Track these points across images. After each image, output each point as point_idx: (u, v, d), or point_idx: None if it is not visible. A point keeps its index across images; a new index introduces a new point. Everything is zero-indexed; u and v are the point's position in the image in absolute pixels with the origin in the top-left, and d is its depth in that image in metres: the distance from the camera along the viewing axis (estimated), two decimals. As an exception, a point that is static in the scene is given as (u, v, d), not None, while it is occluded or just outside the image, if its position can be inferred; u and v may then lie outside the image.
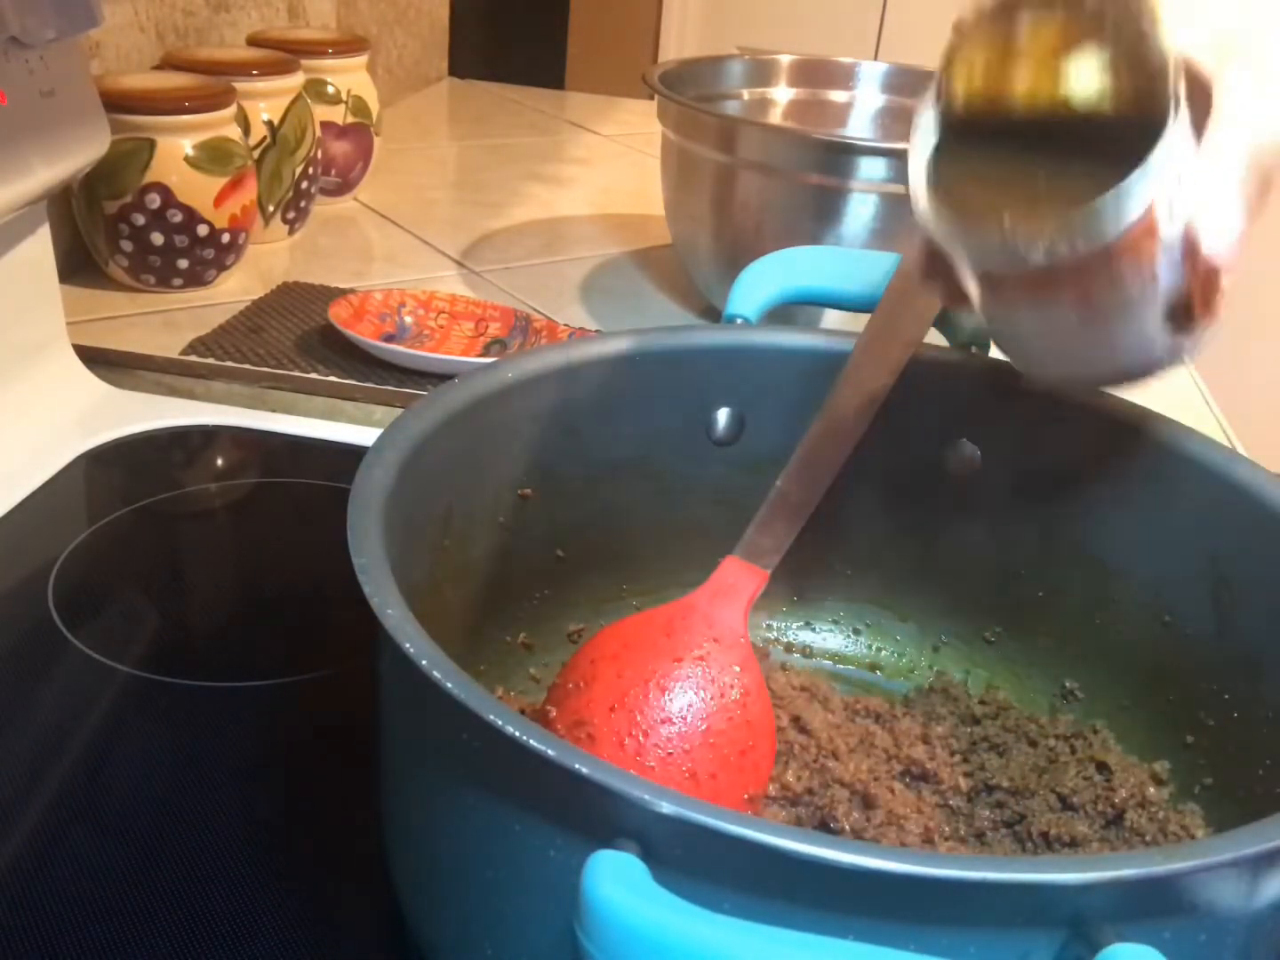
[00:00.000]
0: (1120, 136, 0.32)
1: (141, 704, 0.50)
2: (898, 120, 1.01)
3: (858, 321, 0.48)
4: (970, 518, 0.48)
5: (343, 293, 0.86)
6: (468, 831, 0.31)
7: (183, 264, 0.87)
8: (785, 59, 1.02)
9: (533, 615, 0.48)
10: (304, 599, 0.58)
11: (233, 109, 0.88)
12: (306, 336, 0.83)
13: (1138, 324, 0.33)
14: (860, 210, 0.79)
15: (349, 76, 1.08)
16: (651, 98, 0.89)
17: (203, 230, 0.86)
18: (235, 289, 0.91)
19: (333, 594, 0.56)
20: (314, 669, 0.52)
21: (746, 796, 0.40)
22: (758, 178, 0.83)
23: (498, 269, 1.01)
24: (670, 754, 0.39)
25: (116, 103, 0.79)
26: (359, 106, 1.09)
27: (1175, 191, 0.31)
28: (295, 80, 0.98)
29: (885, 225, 0.79)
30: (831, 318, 0.74)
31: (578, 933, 0.25)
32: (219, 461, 0.71)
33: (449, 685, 0.28)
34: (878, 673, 0.51)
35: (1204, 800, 0.42)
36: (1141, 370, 0.37)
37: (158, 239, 0.85)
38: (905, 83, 1.01)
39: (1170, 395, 0.83)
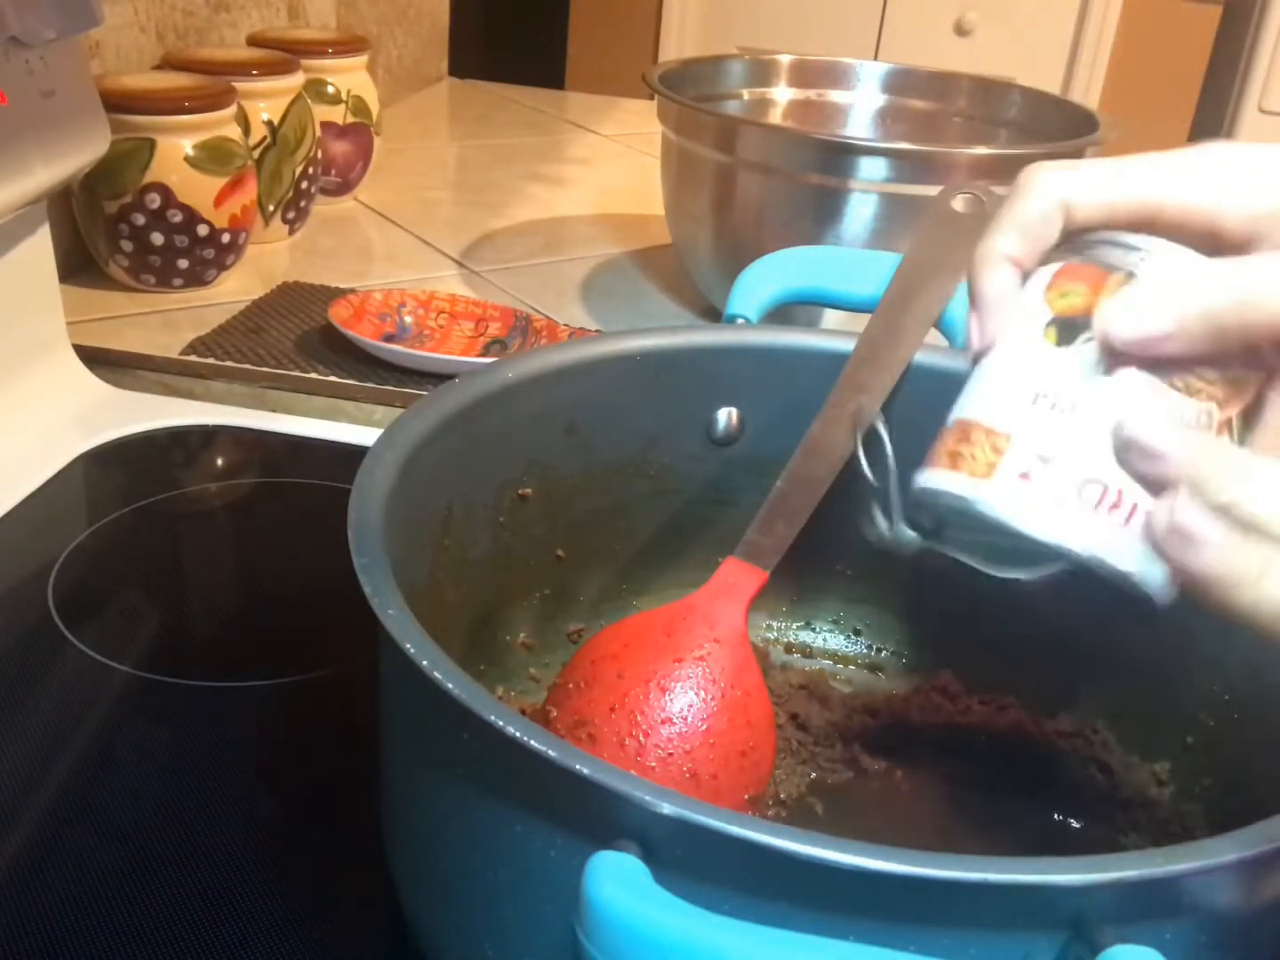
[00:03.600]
0: None
1: (141, 704, 0.50)
2: (898, 120, 1.01)
3: (858, 321, 0.48)
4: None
5: (343, 293, 0.86)
6: (468, 832, 0.31)
7: (183, 264, 0.87)
8: (785, 59, 1.02)
9: (533, 615, 0.48)
10: (304, 599, 0.58)
11: (233, 109, 0.88)
12: (306, 336, 0.83)
13: None
14: (860, 210, 0.79)
15: (349, 76, 1.08)
16: (651, 98, 0.89)
17: (203, 230, 0.86)
18: (235, 289, 0.91)
19: (333, 594, 0.56)
20: (314, 669, 0.52)
21: (747, 797, 0.40)
22: (758, 178, 0.82)
23: (498, 269, 1.01)
24: (671, 754, 0.39)
25: (116, 103, 0.79)
26: (359, 106, 1.09)
27: None
28: (295, 80, 0.98)
29: (885, 225, 0.79)
30: (831, 318, 0.74)
31: (578, 933, 0.25)
32: (219, 461, 0.71)
33: (449, 685, 0.28)
34: (878, 673, 0.51)
35: (1204, 800, 0.42)
36: None
37: (158, 239, 0.85)
38: (905, 83, 1.01)
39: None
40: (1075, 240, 0.33)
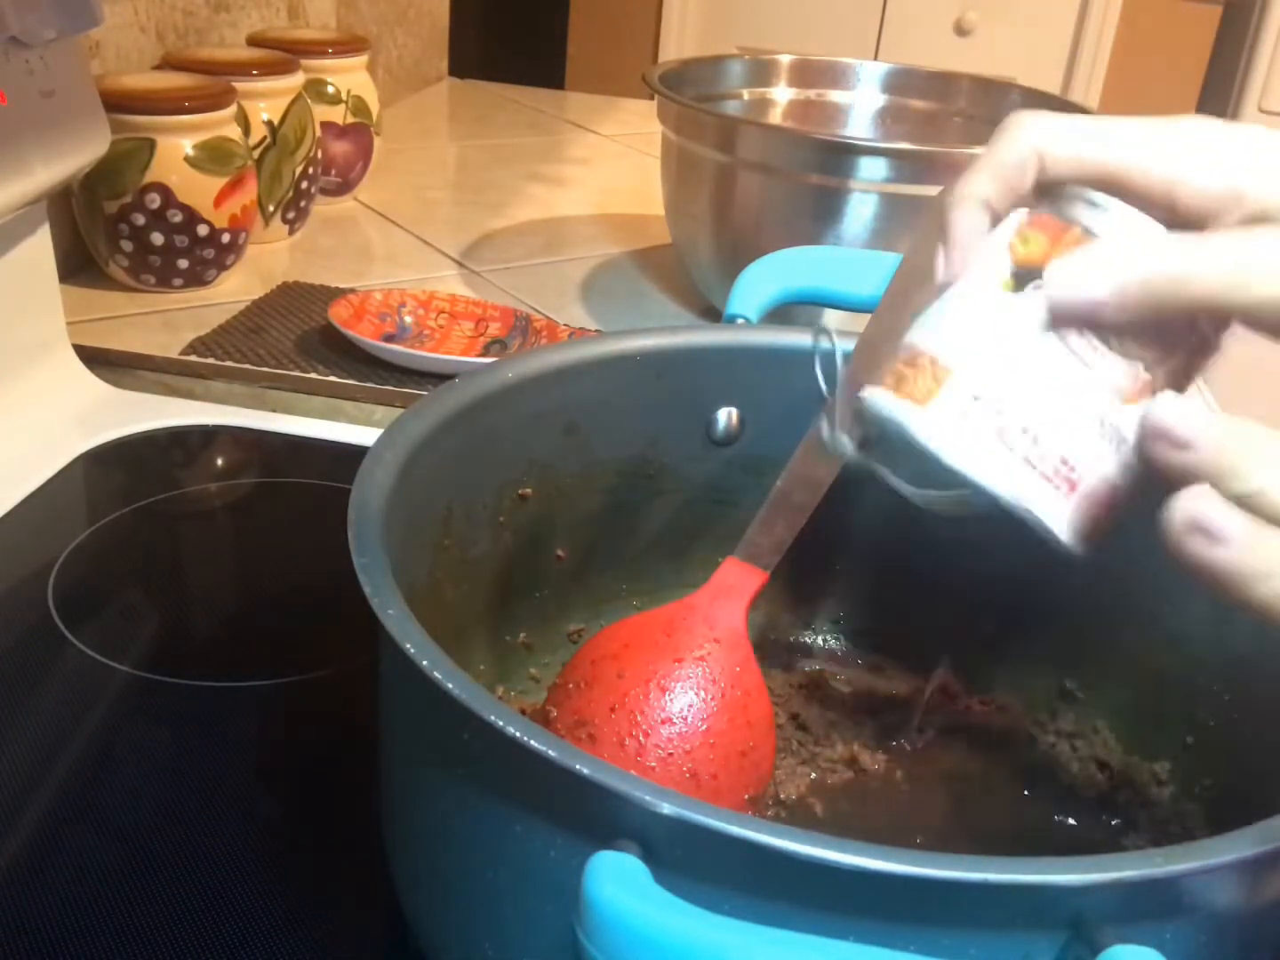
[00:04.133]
0: None
1: (141, 704, 0.50)
2: (898, 120, 1.01)
3: (858, 321, 0.48)
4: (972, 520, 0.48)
5: (343, 293, 0.86)
6: (468, 832, 0.31)
7: (183, 264, 0.87)
8: (785, 59, 1.02)
9: (533, 615, 0.48)
10: (304, 599, 0.58)
11: (233, 109, 0.88)
12: (306, 336, 0.83)
13: None
14: (860, 210, 0.79)
15: (349, 76, 1.08)
16: (651, 98, 0.89)
17: (203, 230, 0.86)
18: (235, 289, 0.91)
19: (333, 594, 0.56)
20: (314, 669, 0.52)
21: (747, 797, 0.40)
22: (758, 178, 0.82)
23: (498, 269, 1.01)
24: (671, 754, 0.39)
25: (116, 103, 0.79)
26: (359, 106, 1.09)
27: None
28: (295, 80, 0.98)
29: (885, 225, 0.79)
30: (831, 318, 0.74)
31: (578, 933, 0.25)
32: (219, 461, 0.71)
33: (449, 685, 0.28)
34: (878, 673, 0.51)
35: (1204, 800, 0.42)
36: None
37: (158, 239, 0.85)
38: (905, 83, 1.01)
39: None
40: (1051, 192, 0.34)
